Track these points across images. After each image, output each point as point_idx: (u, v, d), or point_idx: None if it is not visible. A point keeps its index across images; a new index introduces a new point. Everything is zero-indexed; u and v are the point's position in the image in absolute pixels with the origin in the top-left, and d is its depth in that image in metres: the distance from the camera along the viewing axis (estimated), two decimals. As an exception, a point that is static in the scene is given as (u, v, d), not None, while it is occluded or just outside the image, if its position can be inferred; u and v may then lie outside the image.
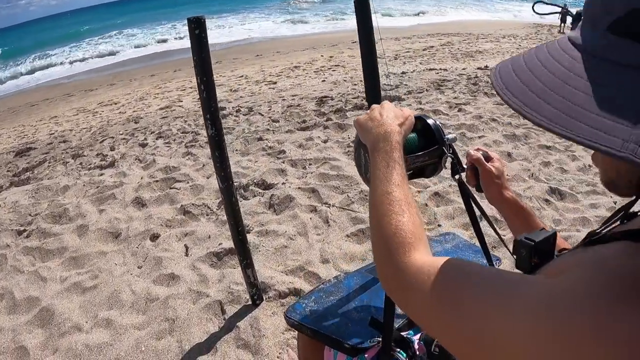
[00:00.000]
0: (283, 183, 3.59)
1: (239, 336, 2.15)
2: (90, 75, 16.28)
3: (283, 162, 4.05)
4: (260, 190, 3.53)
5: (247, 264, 2.20)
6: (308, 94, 7.10)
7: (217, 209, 3.30)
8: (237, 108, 6.76)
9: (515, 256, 0.70)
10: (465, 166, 1.08)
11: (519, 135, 4.07)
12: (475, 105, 4.98)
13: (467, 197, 1.05)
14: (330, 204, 3.19)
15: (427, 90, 6.01)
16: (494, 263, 1.22)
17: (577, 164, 3.69)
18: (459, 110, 4.86)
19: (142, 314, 2.44)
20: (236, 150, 4.65)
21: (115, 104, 9.37)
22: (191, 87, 9.75)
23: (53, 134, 7.35)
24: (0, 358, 2.27)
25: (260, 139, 4.95)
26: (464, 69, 7.57)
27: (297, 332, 1.51)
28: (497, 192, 1.07)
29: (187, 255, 2.83)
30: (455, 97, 5.42)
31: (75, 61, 20.16)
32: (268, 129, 5.38)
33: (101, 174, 4.41)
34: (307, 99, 6.69)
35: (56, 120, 8.52)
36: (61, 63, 20.21)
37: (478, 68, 7.46)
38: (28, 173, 5.19)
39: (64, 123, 8.15)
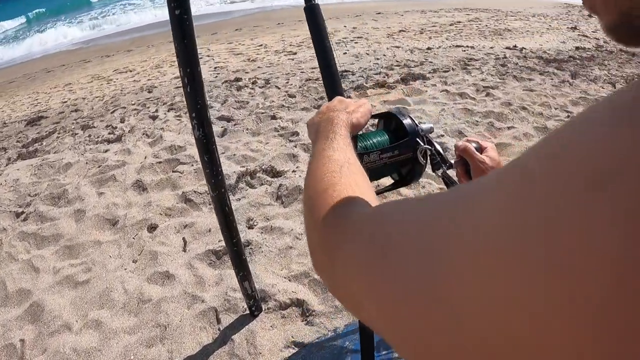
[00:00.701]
0: (293, 171, 3.33)
1: (234, 351, 1.95)
2: (110, 40, 16.00)
3: (295, 146, 3.78)
4: (269, 179, 3.28)
5: (243, 277, 1.97)
6: (327, 67, 6.74)
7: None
8: (254, 80, 6.49)
9: None
10: (452, 161, 0.91)
11: (550, 128, 3.70)
12: (504, 89, 4.58)
13: None
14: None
15: (453, 69, 5.60)
16: None
17: None
18: (487, 94, 4.47)
19: (134, 316, 2.25)
20: (247, 129, 4.39)
21: (131, 71, 9.13)
22: (208, 56, 9.45)
23: (66, 102, 7.19)
24: (-15, 357, 2.13)
25: (273, 117, 4.67)
26: (491, 47, 7.07)
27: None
28: None
29: (184, 250, 2.62)
30: (482, 79, 5.01)
31: (96, 26, 19.82)
32: (283, 105, 5.10)
33: (106, 150, 4.21)
34: (326, 73, 6.35)
35: (70, 88, 8.33)
36: (80, 27, 19.91)
37: (507, 47, 6.95)
38: (36, 144, 5.04)
39: (77, 91, 7.96)
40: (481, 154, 0.91)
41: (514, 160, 0.25)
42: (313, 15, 1.30)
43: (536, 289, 0.19)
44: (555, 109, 4.13)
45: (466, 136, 3.65)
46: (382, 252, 0.33)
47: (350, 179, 0.56)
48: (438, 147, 0.86)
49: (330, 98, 1.17)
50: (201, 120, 1.67)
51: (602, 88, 5.17)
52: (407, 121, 0.85)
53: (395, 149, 0.83)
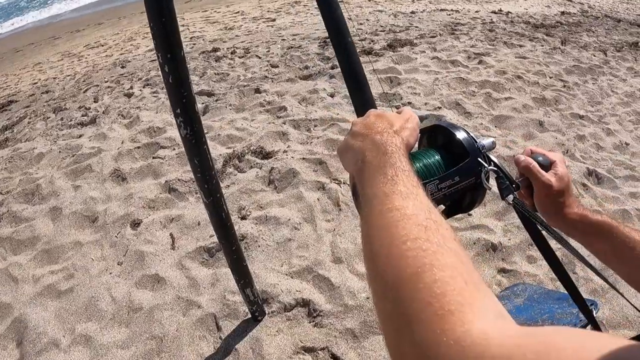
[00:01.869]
0: (285, 151, 3.08)
1: (238, 364, 1.76)
2: (78, 14, 15.14)
3: (284, 123, 3.51)
4: (258, 161, 3.03)
5: (245, 284, 1.76)
6: (310, 33, 6.40)
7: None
8: (233, 49, 6.14)
9: None
10: (518, 180, 0.76)
11: (549, 99, 3.51)
12: (496, 57, 4.34)
13: (533, 226, 0.70)
14: (341, 181, 2.70)
15: (440, 34, 5.31)
16: (591, 309, 0.83)
17: (612, 140, 3.28)
18: (480, 62, 4.23)
19: (125, 328, 2.05)
20: (230, 105, 4.09)
21: (102, 45, 8.62)
22: (182, 25, 8.95)
23: (36, 83, 6.74)
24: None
25: (257, 90, 4.37)
26: (477, 11, 6.80)
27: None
28: (557, 212, 0.75)
29: (173, 248, 2.39)
30: (472, 45, 4.76)
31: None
32: (266, 77, 4.79)
33: (80, 135, 3.89)
34: (309, 40, 6.02)
35: (40, 68, 7.82)
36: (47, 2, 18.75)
37: (492, 12, 6.69)
38: (7, 133, 4.68)
39: (47, 70, 7.47)
40: (548, 169, 0.75)
41: None
42: (330, 8, 1.01)
43: None
44: (550, 77, 3.95)
45: (464, 107, 3.43)
46: None
47: (447, 254, 0.37)
48: (504, 167, 0.69)
49: (357, 109, 0.93)
50: (188, 116, 1.37)
51: (594, 56, 5.01)
52: (462, 135, 0.68)
53: (456, 174, 0.65)
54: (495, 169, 0.68)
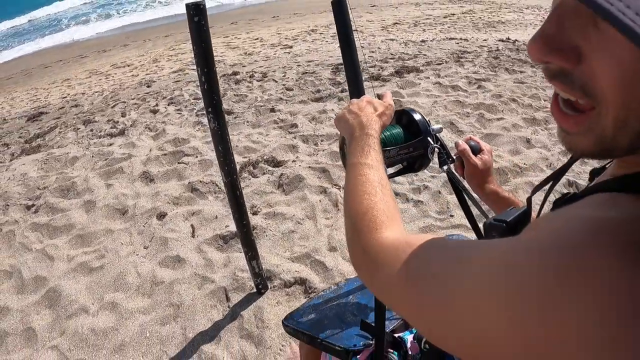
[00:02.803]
0: (294, 161, 3.49)
1: (243, 326, 2.12)
2: (105, 35, 16.05)
3: (294, 138, 3.94)
4: (270, 168, 3.44)
5: (252, 256, 2.14)
6: (324, 60, 6.87)
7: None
8: (251, 73, 6.60)
9: None
10: (454, 157, 1.04)
11: (539, 119, 3.86)
12: (495, 82, 4.73)
13: (457, 189, 1.00)
14: (340, 186, 3.10)
15: (446, 62, 5.74)
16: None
17: None
18: (479, 87, 4.62)
19: (148, 298, 2.42)
20: (247, 122, 4.54)
21: (129, 66, 9.21)
22: (204, 50, 9.55)
23: (65, 97, 7.29)
24: (9, 340, 2.28)
25: (272, 109, 4.82)
26: (485, 40, 7.20)
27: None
28: (479, 185, 1.06)
29: (193, 236, 2.79)
30: (475, 72, 5.16)
31: (91, 20, 19.84)
32: (281, 99, 5.24)
33: (110, 144, 4.35)
34: (323, 66, 6.49)
35: (69, 83, 8.43)
36: (75, 23, 19.90)
37: (500, 40, 7.08)
38: (39, 140, 5.16)
39: (76, 86, 8.06)
40: (477, 153, 1.07)
41: (517, 242, 0.40)
42: (340, 9, 1.47)
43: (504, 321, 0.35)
44: (545, 100, 4.29)
45: (457, 127, 3.82)
46: (413, 278, 0.49)
47: (385, 204, 0.68)
48: (446, 146, 0.99)
49: (352, 93, 1.31)
50: (217, 114, 1.85)
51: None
52: (418, 118, 0.95)
53: (411, 146, 0.94)
54: (439, 146, 0.95)
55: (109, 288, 2.53)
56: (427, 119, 0.96)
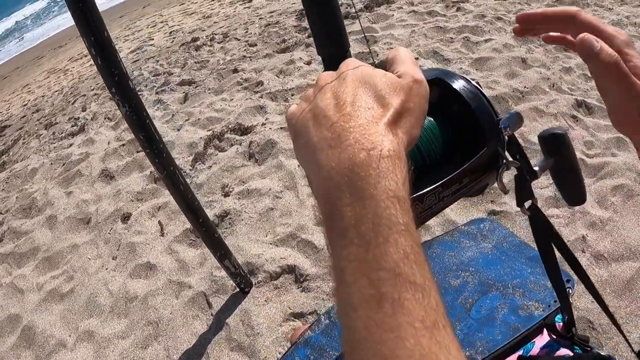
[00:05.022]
0: (263, 124, 3.00)
1: (231, 336, 1.74)
2: (58, 31, 15.01)
3: (261, 97, 3.42)
4: (238, 137, 2.96)
5: (222, 255, 1.71)
6: (286, 8, 6.20)
7: (190, 170, 2.77)
8: (211, 36, 6.00)
9: None
10: (536, 168, 0.49)
11: (531, 36, 3.30)
12: (474, 2, 4.08)
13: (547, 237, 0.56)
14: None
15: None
16: (566, 288, 0.70)
17: None
18: (458, 9, 3.99)
19: (124, 318, 2.05)
20: (209, 89, 4.01)
21: (86, 56, 8.49)
22: (161, 22, 8.79)
23: (26, 104, 6.72)
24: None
25: (235, 70, 4.27)
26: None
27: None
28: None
29: (162, 235, 2.37)
30: (451, -6, 4.51)
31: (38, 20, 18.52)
32: (244, 56, 4.68)
33: (70, 144, 3.88)
34: (286, 14, 5.84)
35: (28, 89, 7.79)
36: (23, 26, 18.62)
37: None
38: (4, 157, 4.68)
39: (35, 90, 7.44)
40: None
41: None
42: None
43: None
44: None
45: (442, 55, 3.27)
46: None
47: None
48: (526, 157, 0.48)
49: (325, 55, 0.59)
50: (124, 94, 1.36)
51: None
52: (482, 108, 0.44)
53: (465, 175, 0.44)
54: (517, 162, 0.47)
55: (82, 315, 2.16)
56: (489, 100, 0.45)
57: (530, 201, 0.52)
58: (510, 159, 0.46)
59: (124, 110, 1.38)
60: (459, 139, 0.45)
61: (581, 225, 1.84)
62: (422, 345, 0.26)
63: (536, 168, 0.49)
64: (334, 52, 0.58)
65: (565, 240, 1.72)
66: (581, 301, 1.56)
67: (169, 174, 1.51)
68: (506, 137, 0.45)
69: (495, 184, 0.48)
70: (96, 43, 1.26)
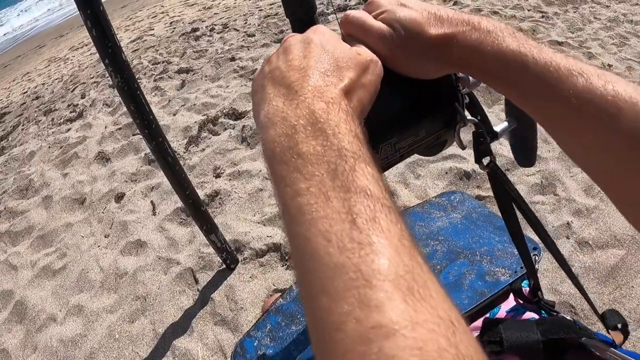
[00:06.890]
0: (255, 109, 3.00)
1: (215, 311, 1.74)
2: (59, 20, 14.93)
3: (255, 83, 3.41)
4: (231, 122, 2.95)
5: (208, 229, 1.71)
6: (287, -1, 6.18)
7: (184, 152, 2.77)
8: (211, 27, 5.98)
9: None
10: (497, 129, 0.52)
11: (526, 30, 3.25)
12: None
13: (505, 191, 0.56)
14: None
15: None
16: (531, 256, 0.71)
17: (594, 62, 2.98)
18: (454, 3, 3.96)
19: (113, 293, 2.04)
20: (206, 76, 4.00)
21: (86, 45, 8.45)
22: (162, 12, 8.75)
23: (26, 92, 6.68)
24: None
25: (232, 59, 4.26)
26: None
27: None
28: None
29: (154, 214, 2.37)
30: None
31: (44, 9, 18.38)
32: (242, 46, 4.66)
33: (68, 129, 3.86)
34: (286, 6, 5.82)
35: (29, 77, 7.74)
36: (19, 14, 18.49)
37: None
38: (3, 142, 4.67)
39: (36, 78, 7.39)
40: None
41: None
42: None
43: None
44: (529, 10, 3.68)
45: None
46: None
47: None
48: (487, 117, 0.49)
49: (292, 18, 0.56)
50: (117, 65, 1.38)
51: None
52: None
53: (421, 128, 0.44)
54: (476, 119, 0.47)
55: (73, 290, 2.15)
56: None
57: (488, 157, 0.52)
58: (470, 117, 0.47)
59: (116, 80, 1.39)
60: (418, 95, 0.45)
61: (567, 212, 1.84)
62: (405, 263, 0.24)
63: (497, 128, 0.50)
64: (300, 15, 0.57)
65: (550, 227, 1.71)
66: (563, 286, 1.56)
67: (158, 145, 1.51)
68: (465, 95, 0.46)
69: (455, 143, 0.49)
70: (92, 16, 1.30)
